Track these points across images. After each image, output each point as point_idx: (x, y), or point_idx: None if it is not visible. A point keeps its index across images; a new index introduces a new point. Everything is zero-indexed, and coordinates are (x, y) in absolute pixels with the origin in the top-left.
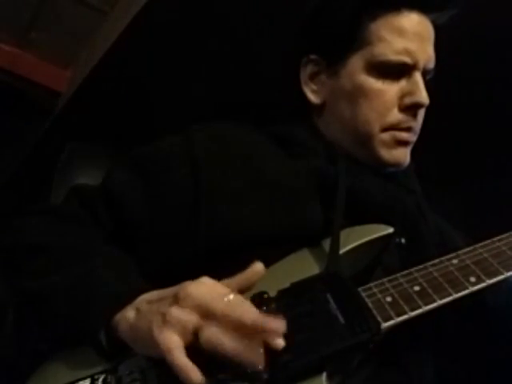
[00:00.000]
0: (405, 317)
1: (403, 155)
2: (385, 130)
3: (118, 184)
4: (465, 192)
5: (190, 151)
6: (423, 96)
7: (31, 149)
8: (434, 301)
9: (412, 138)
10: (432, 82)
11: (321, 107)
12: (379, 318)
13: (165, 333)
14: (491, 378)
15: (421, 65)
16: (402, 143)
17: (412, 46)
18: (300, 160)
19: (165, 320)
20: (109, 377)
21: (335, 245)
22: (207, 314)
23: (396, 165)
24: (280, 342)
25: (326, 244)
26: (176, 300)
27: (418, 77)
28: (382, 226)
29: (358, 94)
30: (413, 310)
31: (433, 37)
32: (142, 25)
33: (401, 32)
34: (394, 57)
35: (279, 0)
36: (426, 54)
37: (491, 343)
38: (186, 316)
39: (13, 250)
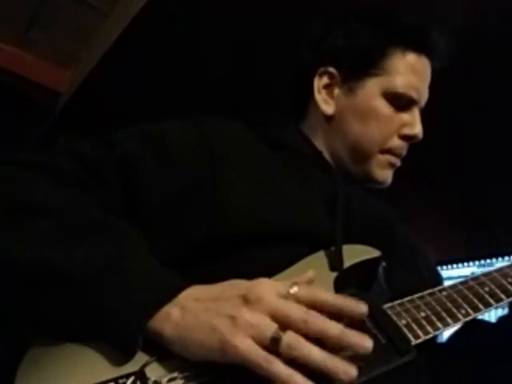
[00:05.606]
0: (420, 340)
1: (389, 176)
2: (383, 152)
3: (131, 152)
4: (464, 192)
5: (203, 135)
6: (420, 130)
7: (31, 149)
8: (438, 328)
9: (399, 163)
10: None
11: (328, 118)
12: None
13: (243, 338)
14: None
15: (422, 102)
16: (392, 166)
17: (420, 85)
18: (300, 168)
19: (236, 323)
20: (138, 381)
21: (338, 261)
22: (283, 320)
23: (383, 183)
24: (367, 351)
25: (327, 256)
26: (246, 302)
27: (417, 112)
28: (370, 249)
29: (371, 115)
30: (426, 333)
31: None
32: (142, 25)
33: (415, 71)
34: (406, 91)
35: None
36: (425, 93)
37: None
38: (262, 321)
39: (5, 208)
